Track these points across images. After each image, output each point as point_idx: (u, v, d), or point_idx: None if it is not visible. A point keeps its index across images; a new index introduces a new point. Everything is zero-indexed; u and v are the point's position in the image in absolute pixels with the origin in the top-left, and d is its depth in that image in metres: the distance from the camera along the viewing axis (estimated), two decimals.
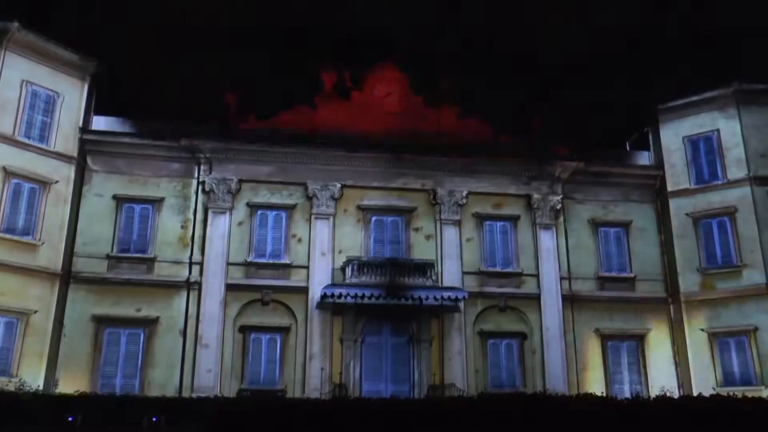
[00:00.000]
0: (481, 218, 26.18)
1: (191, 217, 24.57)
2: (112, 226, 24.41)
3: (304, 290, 24.42)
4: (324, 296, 23.86)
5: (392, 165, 25.77)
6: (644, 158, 28.62)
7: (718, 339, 24.92)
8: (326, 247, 24.97)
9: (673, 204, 26.88)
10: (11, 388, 20.06)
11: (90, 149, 24.83)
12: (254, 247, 24.76)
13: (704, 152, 26.78)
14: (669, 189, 27.14)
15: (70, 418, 18.23)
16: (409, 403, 18.30)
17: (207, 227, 24.47)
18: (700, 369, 24.96)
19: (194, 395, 21.81)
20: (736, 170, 25.88)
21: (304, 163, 25.55)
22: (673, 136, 27.47)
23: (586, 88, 39.84)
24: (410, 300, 24.07)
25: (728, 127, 26.36)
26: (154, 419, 18.90)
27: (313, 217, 25.26)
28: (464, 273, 25.30)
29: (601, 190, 27.56)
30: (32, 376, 21.39)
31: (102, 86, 25.85)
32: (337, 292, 23.84)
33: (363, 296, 23.90)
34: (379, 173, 25.77)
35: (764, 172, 25.54)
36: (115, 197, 24.65)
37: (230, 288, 24.05)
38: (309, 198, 25.47)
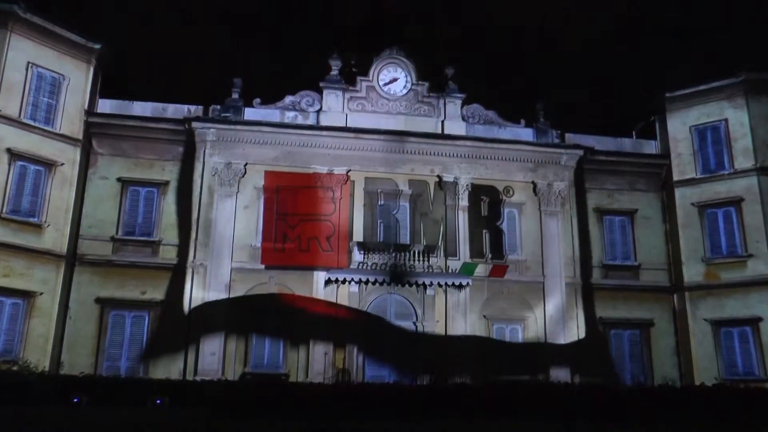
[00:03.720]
0: (488, 204, 26.09)
1: (196, 200, 24.53)
2: (117, 209, 24.47)
3: (310, 273, 24.40)
4: (328, 280, 24.01)
5: (399, 150, 25.71)
6: (651, 147, 28.49)
7: (721, 329, 24.92)
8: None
9: (679, 193, 26.81)
10: (17, 369, 20.23)
11: (95, 132, 24.84)
12: (260, 230, 24.75)
13: (711, 142, 26.64)
14: (675, 178, 27.06)
15: (75, 400, 18.41)
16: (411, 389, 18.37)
17: (213, 210, 24.45)
18: (703, 359, 24.98)
19: (198, 378, 21.96)
20: (743, 160, 25.75)
21: (310, 147, 25.49)
22: (680, 125, 27.32)
23: (593, 75, 39.67)
24: (414, 285, 24.25)
25: (736, 117, 26.18)
26: (158, 401, 19.07)
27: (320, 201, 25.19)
28: (472, 259, 25.24)
29: (606, 179, 27.52)
30: (38, 358, 21.56)
31: (107, 69, 25.81)
32: (341, 276, 23.99)
33: (367, 281, 24.08)
34: (386, 158, 25.71)
35: None
36: (120, 180, 24.69)
37: (236, 271, 24.08)
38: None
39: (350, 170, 25.47)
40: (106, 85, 25.84)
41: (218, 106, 25.61)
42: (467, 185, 25.95)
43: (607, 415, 15.04)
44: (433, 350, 24.00)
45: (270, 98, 26.18)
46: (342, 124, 25.87)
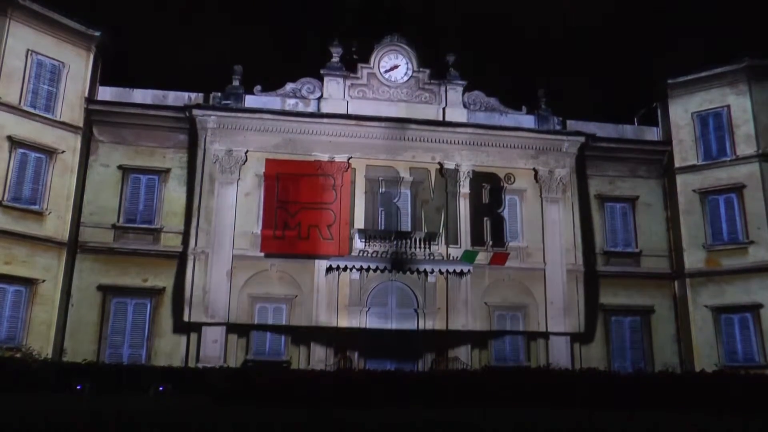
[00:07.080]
0: (489, 191, 26.06)
1: (197, 187, 24.51)
2: (119, 196, 24.46)
3: (311, 260, 24.44)
4: (329, 268, 24.05)
5: (400, 137, 25.65)
6: (652, 134, 28.42)
7: (722, 316, 24.97)
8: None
9: (681, 180, 26.77)
10: (20, 356, 20.31)
11: (96, 119, 24.80)
12: (260, 218, 24.73)
13: (713, 128, 26.56)
14: (676, 165, 27.00)
15: (78, 387, 18.51)
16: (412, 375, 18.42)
17: (214, 198, 24.45)
18: (703, 346, 25.04)
19: (200, 365, 22.04)
20: (745, 147, 25.69)
21: (311, 135, 25.44)
22: (682, 111, 27.24)
23: (595, 62, 39.47)
24: (416, 272, 24.30)
25: (738, 103, 26.09)
26: (160, 388, 19.18)
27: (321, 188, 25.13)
28: (473, 246, 25.22)
29: (608, 165, 27.46)
30: (40, 345, 21.64)
31: (107, 56, 25.72)
32: (342, 264, 24.03)
33: (368, 268, 24.12)
34: (387, 146, 25.65)
35: None
36: (121, 167, 24.66)
37: (237, 258, 24.11)
38: None
39: (351, 158, 25.43)
40: (106, 73, 25.75)
41: (219, 94, 25.55)
42: (468, 172, 25.91)
43: (607, 401, 15.08)
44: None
45: (271, 85, 26.13)
46: (343, 111, 25.80)
